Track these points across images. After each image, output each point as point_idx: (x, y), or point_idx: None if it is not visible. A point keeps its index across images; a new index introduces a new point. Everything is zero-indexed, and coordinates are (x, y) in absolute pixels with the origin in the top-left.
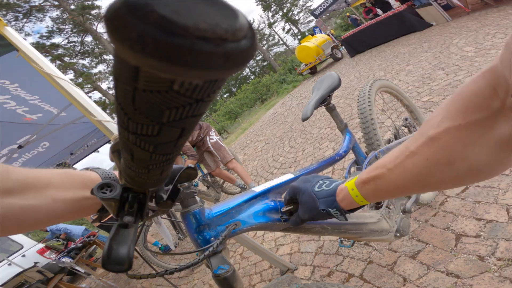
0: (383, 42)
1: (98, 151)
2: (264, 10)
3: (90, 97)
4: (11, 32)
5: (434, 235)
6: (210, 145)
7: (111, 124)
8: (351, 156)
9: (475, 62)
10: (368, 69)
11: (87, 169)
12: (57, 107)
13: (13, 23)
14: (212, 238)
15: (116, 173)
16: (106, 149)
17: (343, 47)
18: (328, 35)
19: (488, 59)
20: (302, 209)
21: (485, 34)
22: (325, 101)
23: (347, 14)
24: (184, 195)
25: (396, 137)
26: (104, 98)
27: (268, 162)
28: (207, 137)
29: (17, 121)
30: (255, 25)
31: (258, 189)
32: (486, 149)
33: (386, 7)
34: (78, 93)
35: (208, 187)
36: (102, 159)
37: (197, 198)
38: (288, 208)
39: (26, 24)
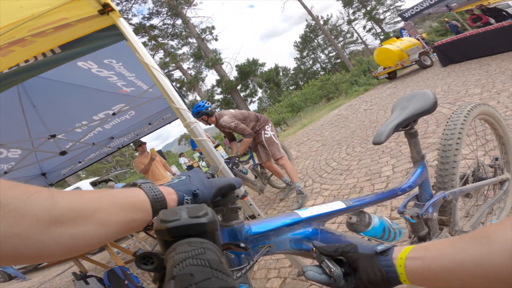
0: (489, 54)
1: (170, 123)
2: (345, 6)
3: (172, 74)
4: (124, 24)
5: None
6: (264, 139)
7: (186, 112)
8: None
9: None
10: (462, 83)
11: (135, 184)
12: (147, 84)
13: (124, 3)
14: (243, 256)
15: (162, 189)
16: (177, 122)
17: (435, 53)
18: (418, 39)
19: None
20: (363, 275)
21: None
22: (408, 125)
23: (446, 19)
24: (227, 210)
25: (474, 175)
26: (183, 77)
27: (320, 165)
28: (262, 131)
29: (116, 92)
30: (332, 20)
31: (303, 214)
32: None
33: (501, 16)
34: (165, 82)
35: (256, 177)
36: (171, 129)
37: (240, 215)
38: (329, 263)
39: (133, 5)
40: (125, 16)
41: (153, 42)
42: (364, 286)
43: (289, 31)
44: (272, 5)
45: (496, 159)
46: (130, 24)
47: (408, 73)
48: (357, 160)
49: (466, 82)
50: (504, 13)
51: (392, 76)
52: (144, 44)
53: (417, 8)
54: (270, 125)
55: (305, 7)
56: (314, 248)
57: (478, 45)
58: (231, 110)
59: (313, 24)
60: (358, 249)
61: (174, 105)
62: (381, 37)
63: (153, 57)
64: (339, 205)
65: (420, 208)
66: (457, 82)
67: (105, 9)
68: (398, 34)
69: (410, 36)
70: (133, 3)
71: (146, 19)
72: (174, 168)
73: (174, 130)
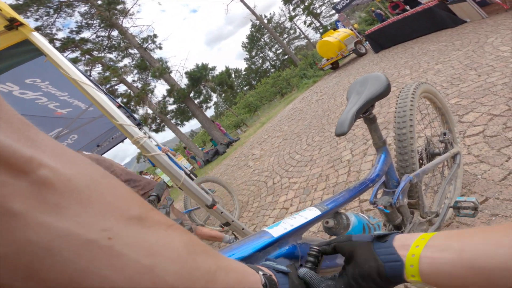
0: (411, 38)
1: (123, 142)
2: (285, 3)
3: (116, 89)
4: (38, 38)
5: None
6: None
7: (131, 128)
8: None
9: (511, 64)
10: (393, 66)
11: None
12: (85, 102)
13: (44, 18)
14: None
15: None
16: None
17: (367, 42)
18: (351, 29)
19: None
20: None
21: None
22: (366, 111)
23: (372, 8)
24: None
25: (426, 151)
26: (129, 90)
27: (285, 159)
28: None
29: (49, 115)
30: (275, 18)
31: (276, 232)
32: None
33: (415, 3)
34: (101, 97)
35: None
36: (126, 148)
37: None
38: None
39: (57, 20)
40: (49, 31)
41: (87, 56)
42: (355, 282)
43: (235, 33)
44: (215, 8)
45: (445, 134)
46: (56, 39)
47: (348, 62)
48: (318, 149)
49: (396, 65)
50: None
51: (335, 66)
52: (77, 59)
53: (347, 0)
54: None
55: (248, 7)
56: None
57: (400, 31)
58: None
59: (258, 24)
60: (353, 238)
61: (116, 121)
62: (321, 30)
63: (89, 73)
64: (313, 212)
65: (391, 196)
66: (390, 66)
67: (13, 24)
68: (335, 26)
69: (344, 27)
70: (56, 17)
71: (74, 33)
72: None
73: (130, 149)
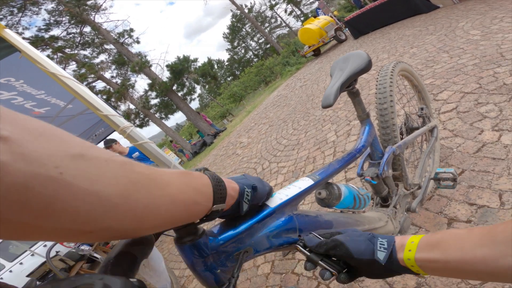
0: (387, 24)
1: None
2: None
3: (94, 86)
4: (11, 34)
5: (428, 219)
6: None
7: (117, 118)
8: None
9: (480, 46)
10: (372, 51)
11: (199, 170)
12: (64, 100)
13: (8, 18)
14: (219, 271)
15: (225, 180)
16: (115, 134)
17: (347, 28)
18: (331, 16)
19: (493, 43)
20: (364, 273)
21: (493, 18)
22: (350, 85)
23: None
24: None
25: (406, 125)
26: (108, 87)
27: (272, 145)
28: None
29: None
30: (256, 7)
31: (272, 203)
32: None
33: None
34: (83, 90)
35: None
36: None
37: (199, 227)
38: (327, 266)
39: (22, 18)
40: (15, 31)
41: (59, 54)
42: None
43: (215, 25)
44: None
45: (422, 108)
46: (24, 38)
47: (329, 49)
48: (304, 133)
49: (375, 50)
50: None
51: (317, 53)
52: (48, 57)
53: None
54: None
55: None
56: (301, 249)
57: (377, 17)
58: None
59: (238, 14)
60: (352, 252)
61: (101, 112)
62: (301, 18)
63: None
64: (306, 182)
65: (376, 168)
66: (369, 51)
67: None
68: (315, 14)
69: (325, 15)
70: (21, 16)
71: (43, 31)
72: None
73: None
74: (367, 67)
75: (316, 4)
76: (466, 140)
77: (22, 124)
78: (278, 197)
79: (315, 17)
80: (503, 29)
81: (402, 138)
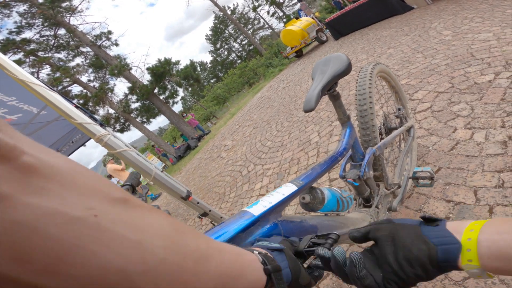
0: (366, 25)
1: (85, 145)
2: None
3: (70, 90)
4: None
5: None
6: None
7: (92, 126)
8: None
9: (452, 46)
10: (352, 52)
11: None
12: (37, 106)
13: None
14: None
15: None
16: (92, 142)
17: (328, 30)
18: (313, 18)
19: (464, 43)
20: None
21: (463, 18)
22: (331, 88)
23: None
24: None
25: (384, 126)
26: (85, 91)
27: (257, 147)
28: None
29: None
30: (239, 9)
31: (256, 210)
32: None
33: None
34: (54, 97)
35: None
36: (89, 153)
37: None
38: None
39: None
40: None
41: (32, 57)
42: (399, 267)
43: (197, 27)
44: (174, 1)
45: (399, 109)
46: None
47: (311, 50)
48: (288, 134)
49: (354, 50)
50: None
51: (299, 54)
52: (20, 61)
53: None
54: None
55: None
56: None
57: (356, 18)
58: None
59: (221, 15)
60: (394, 220)
61: (75, 120)
62: (284, 20)
63: (37, 75)
64: (290, 188)
65: (358, 169)
66: (348, 52)
67: None
68: (297, 15)
69: (306, 16)
70: None
71: (14, 33)
72: None
73: (94, 152)
74: (347, 70)
75: (298, 6)
76: (441, 139)
77: (53, 155)
78: (262, 205)
79: (297, 18)
80: (473, 29)
81: (381, 139)
